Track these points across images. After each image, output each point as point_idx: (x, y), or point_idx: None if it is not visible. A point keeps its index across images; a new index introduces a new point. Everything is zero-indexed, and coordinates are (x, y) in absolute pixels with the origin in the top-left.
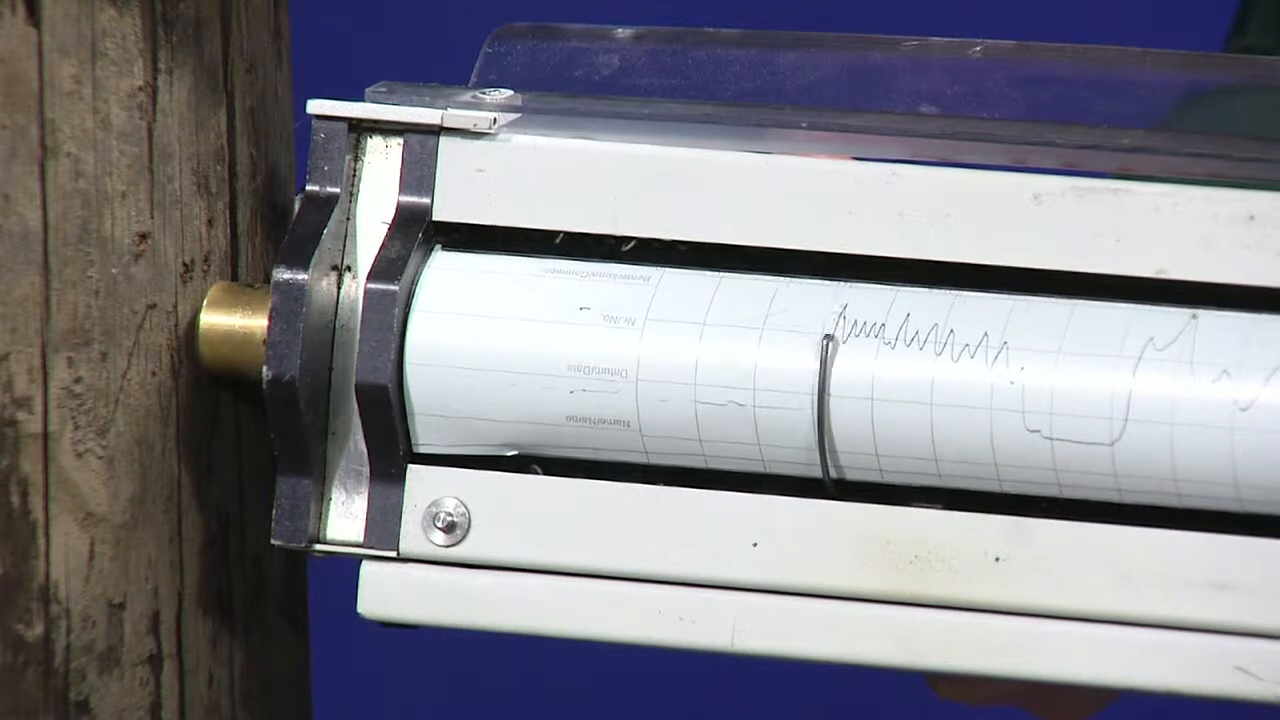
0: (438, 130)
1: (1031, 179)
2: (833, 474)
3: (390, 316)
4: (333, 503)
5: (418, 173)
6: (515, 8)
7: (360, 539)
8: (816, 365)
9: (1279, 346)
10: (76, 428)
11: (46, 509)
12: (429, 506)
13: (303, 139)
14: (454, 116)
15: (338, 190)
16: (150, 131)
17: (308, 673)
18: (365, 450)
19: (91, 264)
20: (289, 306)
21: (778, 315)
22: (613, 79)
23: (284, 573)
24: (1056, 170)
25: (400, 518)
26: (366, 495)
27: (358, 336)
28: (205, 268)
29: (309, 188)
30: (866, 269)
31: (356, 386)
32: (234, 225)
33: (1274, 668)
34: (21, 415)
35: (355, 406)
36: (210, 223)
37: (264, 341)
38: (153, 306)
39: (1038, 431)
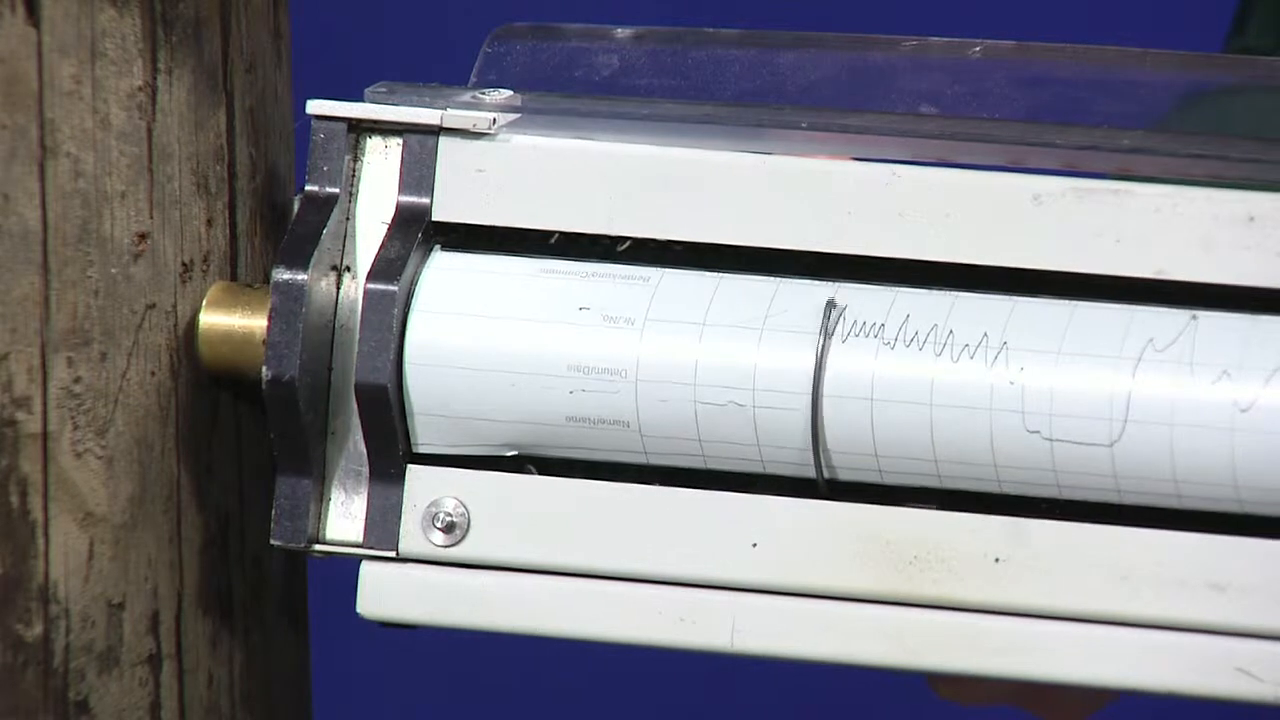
0: (437, 130)
1: (1031, 179)
2: (825, 474)
3: (390, 316)
4: (332, 503)
5: (417, 173)
6: (515, 8)
7: (360, 539)
8: (812, 363)
9: (1279, 347)
10: (76, 428)
11: (46, 509)
12: (428, 506)
13: (302, 139)
14: (454, 117)
15: (337, 190)
16: (150, 131)
17: (307, 673)
18: (365, 450)
19: (91, 264)
20: (288, 306)
21: (777, 315)
22: (612, 79)
23: (284, 573)
24: (1056, 171)
25: (400, 518)
26: (366, 495)
27: (357, 336)
28: (205, 268)
29: (308, 188)
30: (866, 269)
31: (356, 386)
32: (233, 225)
33: (1274, 668)
34: (21, 415)
35: (355, 406)
36: (210, 223)
37: (263, 341)
38: (152, 306)
39: (1037, 432)
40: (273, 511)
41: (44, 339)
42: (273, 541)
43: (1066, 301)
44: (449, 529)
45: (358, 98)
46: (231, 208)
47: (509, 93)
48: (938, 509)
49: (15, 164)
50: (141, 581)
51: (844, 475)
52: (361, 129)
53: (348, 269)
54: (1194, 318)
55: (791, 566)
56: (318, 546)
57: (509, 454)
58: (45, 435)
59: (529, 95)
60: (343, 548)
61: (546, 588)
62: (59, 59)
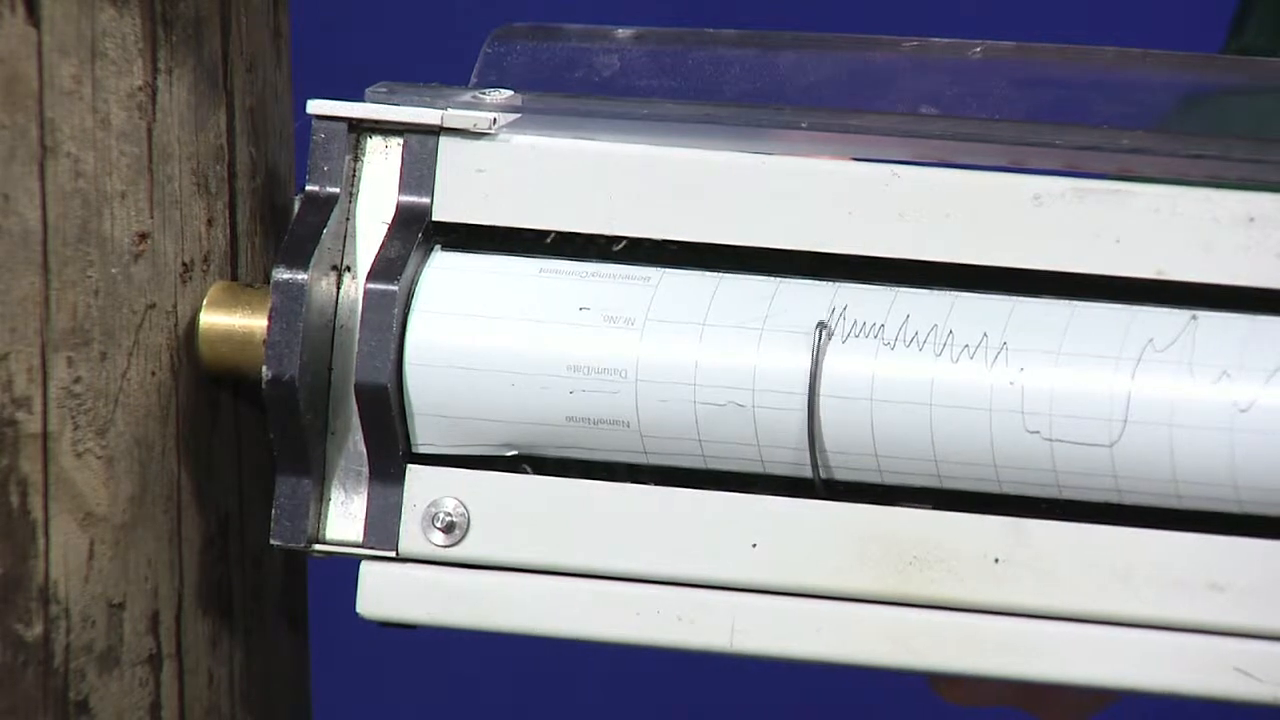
0: (437, 130)
1: (1031, 180)
2: (823, 474)
3: (390, 316)
4: (332, 503)
5: (417, 173)
6: (515, 8)
7: (359, 539)
8: (809, 364)
9: (1278, 348)
10: (76, 427)
11: (46, 509)
12: (428, 506)
13: (302, 139)
14: (454, 117)
15: (337, 190)
16: (150, 131)
17: (307, 673)
18: (365, 450)
19: (91, 264)
20: (289, 306)
21: (778, 316)
22: (612, 79)
23: (284, 573)
24: (1056, 171)
25: (400, 518)
26: (366, 495)
27: (357, 336)
28: (205, 268)
29: (309, 188)
30: (866, 269)
31: (356, 386)
32: (234, 225)
33: (1273, 669)
34: (21, 415)
35: (355, 406)
36: (210, 223)
37: (264, 341)
38: (152, 306)
39: (1037, 432)
40: (273, 511)
41: (44, 339)
42: (273, 541)
43: (1066, 302)
44: (449, 529)
45: (358, 98)
46: (232, 207)
47: (509, 93)
48: (932, 509)
49: (15, 164)
50: (141, 581)
51: (843, 475)
52: (362, 129)
53: (348, 269)
54: (1194, 318)
55: (791, 566)
56: (318, 546)
57: (509, 454)
58: (45, 435)
59: (529, 95)
60: (342, 548)
61: (546, 588)
62: (59, 59)
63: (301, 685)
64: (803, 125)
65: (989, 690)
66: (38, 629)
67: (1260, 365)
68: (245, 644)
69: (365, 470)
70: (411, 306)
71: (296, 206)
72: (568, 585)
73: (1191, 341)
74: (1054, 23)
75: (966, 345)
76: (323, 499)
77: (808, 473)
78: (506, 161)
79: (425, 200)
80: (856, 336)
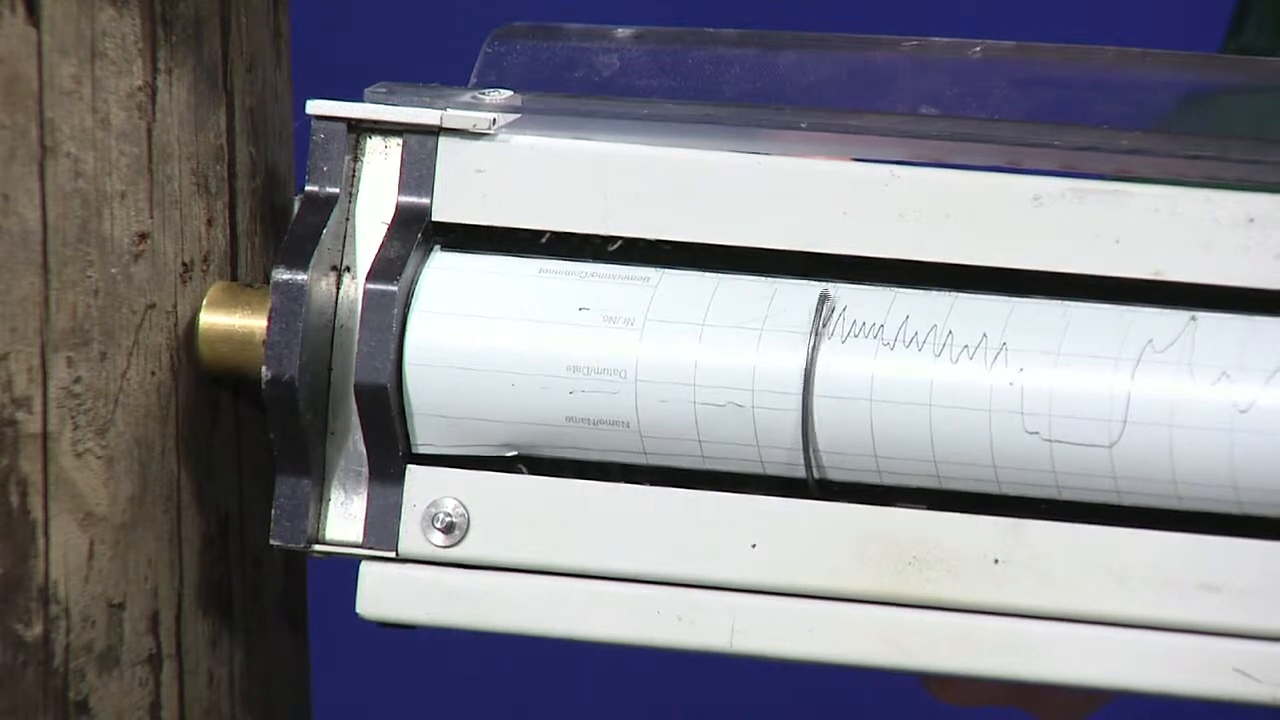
0: (437, 130)
1: (1031, 180)
2: (817, 474)
3: (389, 316)
4: (332, 503)
5: (417, 173)
6: (515, 8)
7: (359, 539)
8: (802, 364)
9: (1277, 348)
10: (76, 427)
11: (46, 509)
12: (428, 507)
13: (302, 139)
14: (453, 117)
15: (337, 190)
16: (150, 131)
17: (307, 673)
18: (364, 450)
19: (91, 264)
20: (288, 307)
21: (777, 316)
22: (612, 79)
23: (284, 573)
24: (1055, 171)
25: (399, 518)
26: (366, 495)
27: (357, 336)
28: (205, 268)
29: (308, 188)
30: (866, 269)
31: (356, 386)
32: (233, 225)
33: (1272, 669)
34: (21, 415)
35: (354, 407)
36: (210, 223)
37: (263, 342)
38: (152, 306)
39: (1036, 433)
40: (273, 511)
41: (44, 339)
42: (272, 541)
43: (1066, 302)
44: (449, 529)
45: (358, 98)
46: (231, 208)
47: (509, 93)
48: (926, 509)
49: (15, 164)
50: (141, 581)
51: (842, 476)
52: (361, 129)
53: (348, 269)
54: (1193, 319)
55: (790, 567)
56: (317, 547)
57: (509, 454)
58: (45, 435)
59: (529, 95)
60: (342, 548)
61: (546, 588)
62: (59, 59)
63: (301, 685)
64: (802, 125)
65: (982, 690)
66: (37, 629)
67: (1260, 366)
68: (245, 644)
69: (365, 470)
70: (411, 306)
71: (296, 207)
72: (567, 585)
73: (1191, 342)
74: (1054, 23)
75: (966, 346)
76: (322, 499)
77: (802, 473)
78: (506, 162)
79: (425, 200)
80: (856, 337)
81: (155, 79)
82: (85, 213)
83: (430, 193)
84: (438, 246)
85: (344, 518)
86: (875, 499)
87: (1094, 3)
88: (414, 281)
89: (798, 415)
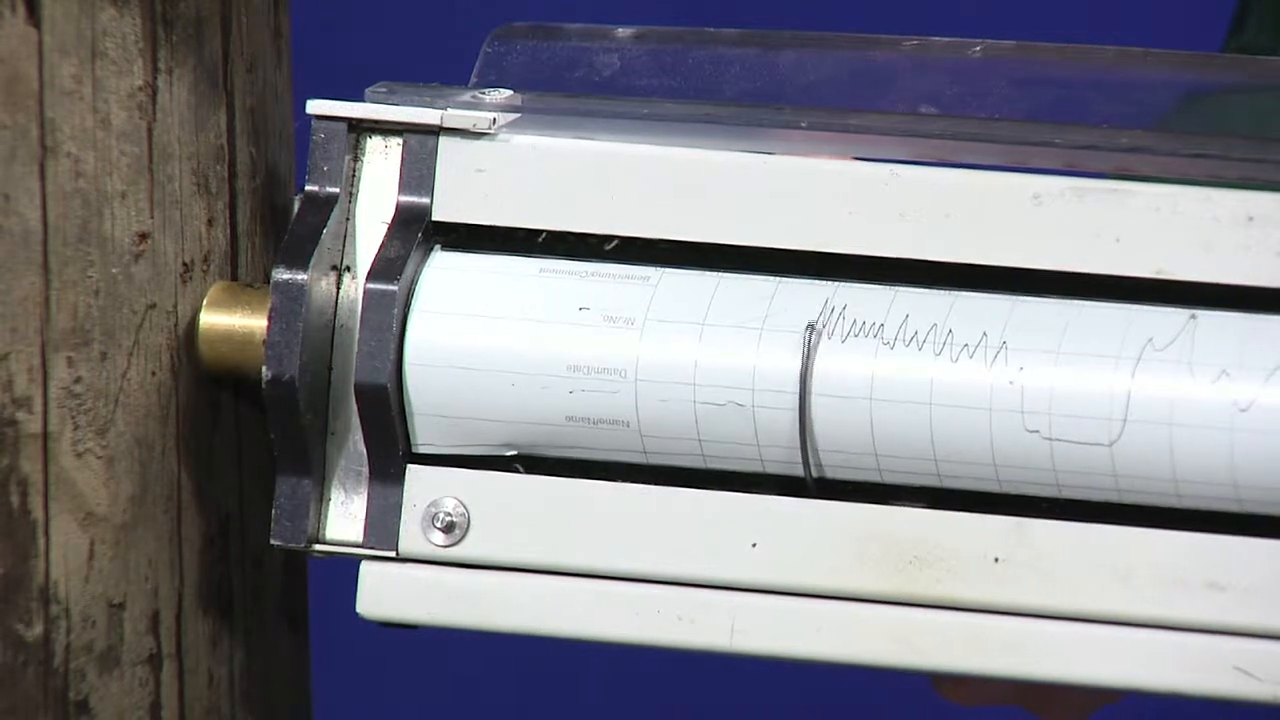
0: (437, 130)
1: (1031, 179)
2: (815, 473)
3: (390, 316)
4: (332, 503)
5: (417, 173)
6: (515, 8)
7: (360, 539)
8: (800, 364)
9: (1278, 347)
10: (76, 427)
11: (46, 509)
12: (428, 506)
13: (302, 139)
14: (453, 117)
15: (337, 190)
16: (150, 131)
17: (308, 673)
18: (365, 450)
19: (91, 264)
20: (289, 306)
21: (777, 315)
22: (613, 79)
23: (284, 573)
24: (1056, 171)
25: (400, 518)
26: (366, 495)
27: (357, 336)
28: (205, 267)
29: (308, 188)
30: (866, 269)
31: (356, 386)
32: (234, 225)
33: (1273, 668)
34: (21, 415)
35: (355, 406)
36: (210, 222)
37: (264, 341)
38: (153, 306)
39: (1037, 432)
40: (273, 511)
41: (44, 339)
42: (273, 541)
43: (1066, 301)
44: (449, 529)
45: (358, 98)
46: (232, 207)
47: (509, 93)
48: (925, 507)
49: (15, 164)
50: (142, 581)
51: (843, 475)
52: (362, 129)
53: (348, 269)
54: (1193, 317)
55: (791, 566)
56: (318, 546)
57: (509, 454)
58: (46, 435)
59: (529, 95)
60: (343, 548)
61: (546, 588)
62: (59, 59)
63: (301, 685)
64: (803, 125)
65: (990, 689)
66: (38, 629)
67: (1260, 364)
68: (245, 644)
69: (365, 470)
70: (411, 306)
71: (296, 206)
72: (568, 585)
73: (1191, 341)
74: (1054, 23)
75: (966, 345)
76: (323, 499)
77: (800, 471)
78: (506, 161)
79: (425, 200)
80: (856, 336)
81: (156, 79)
82: (86, 213)
83: (430, 192)
84: (438, 246)
85: (344, 517)
86: (876, 498)
87: (1094, 3)
88: (414, 281)
89: (797, 415)
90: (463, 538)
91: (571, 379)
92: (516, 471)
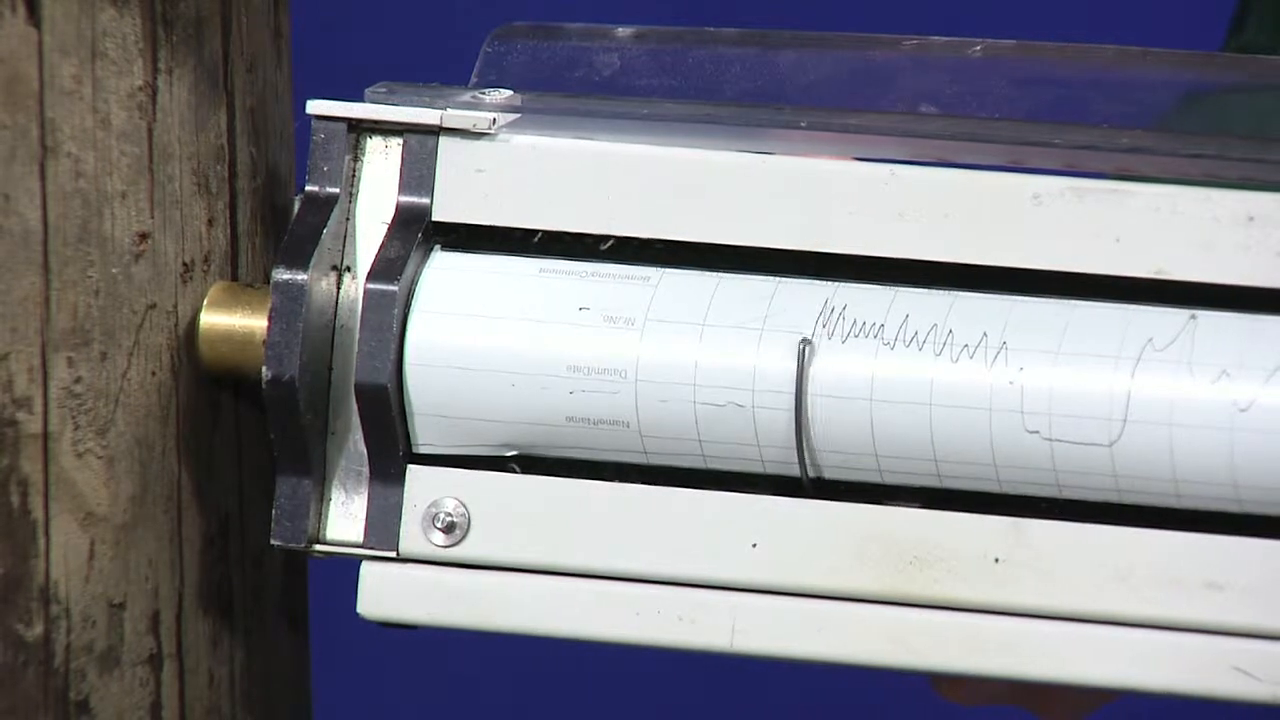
0: (437, 130)
1: (1031, 179)
2: (823, 474)
3: (390, 316)
4: (332, 503)
5: (417, 173)
6: (515, 8)
7: (360, 539)
8: (796, 365)
9: (1278, 347)
10: (76, 427)
11: (46, 509)
12: (429, 507)
13: (302, 139)
14: (453, 117)
15: (337, 190)
16: (150, 131)
17: (308, 673)
18: (365, 450)
19: (91, 264)
20: (289, 307)
21: (777, 315)
22: (613, 79)
23: (284, 573)
24: (1056, 171)
25: (400, 518)
26: (366, 495)
27: (357, 336)
28: (205, 268)
29: (308, 188)
30: (866, 269)
31: (356, 386)
32: (234, 225)
33: (1272, 668)
34: (21, 415)
35: (355, 406)
36: (210, 223)
37: (264, 342)
38: (153, 306)
39: (1037, 432)
40: (273, 511)
41: (44, 339)
42: (273, 541)
43: (1066, 301)
44: (449, 529)
45: (358, 98)
46: (232, 208)
47: (509, 93)
48: (926, 508)
49: (16, 164)
50: (142, 581)
51: (842, 475)
52: (362, 129)
53: (348, 269)
54: (1193, 317)
55: (791, 566)
56: (318, 547)
57: (509, 454)
58: (46, 435)
59: (529, 95)
60: (343, 548)
61: (546, 588)
62: (60, 59)
63: (301, 685)
64: (802, 124)
65: (989, 689)
66: (38, 629)
67: (1260, 364)
68: (245, 644)
69: (365, 470)
70: (411, 307)
71: (296, 206)
72: (568, 585)
73: (1191, 341)
74: (1054, 23)
75: (966, 345)
76: (323, 499)
77: (808, 471)
78: (506, 161)
79: (425, 200)
80: (856, 336)
81: (156, 79)
82: (86, 213)
83: (430, 193)
84: (438, 246)
85: (344, 518)
86: (876, 498)
87: (1094, 3)
88: (414, 281)
89: (794, 415)
90: (463, 538)
91: (572, 379)
92: (513, 472)
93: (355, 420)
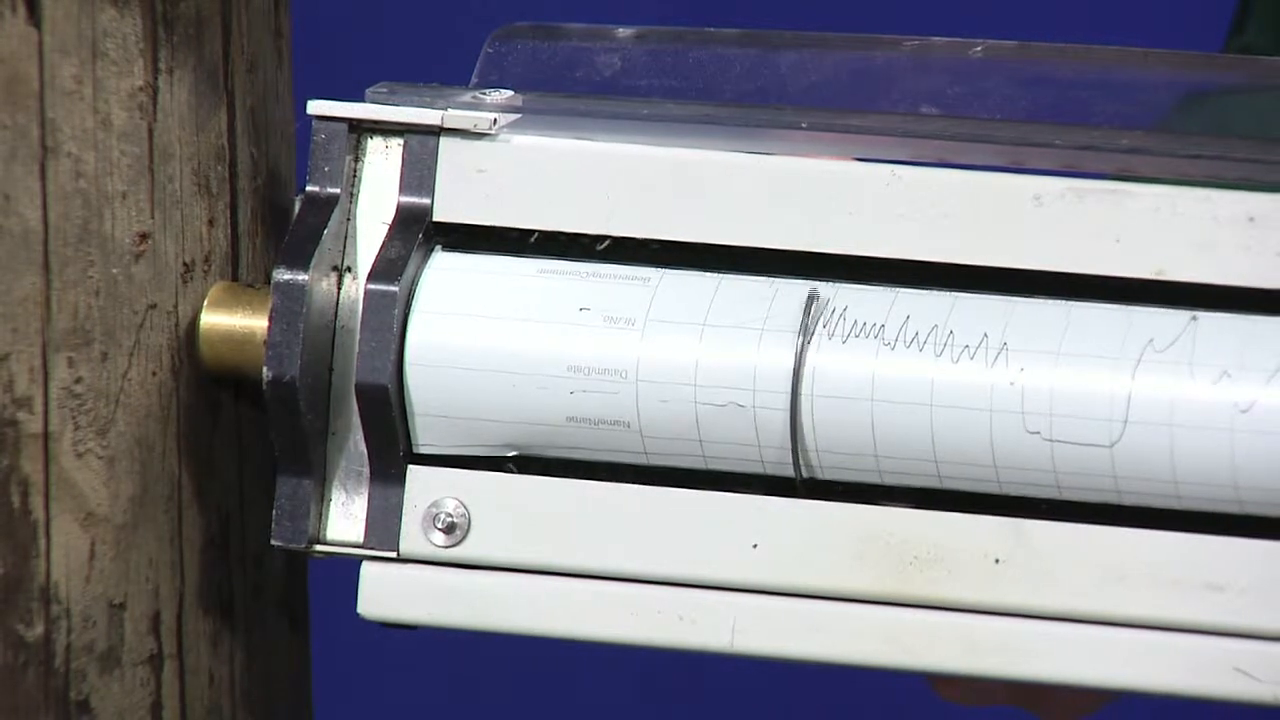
0: (438, 131)
1: (1031, 180)
2: (805, 474)
3: (390, 317)
4: (333, 503)
5: (418, 173)
6: (515, 8)
7: (360, 539)
8: (794, 365)
9: (1278, 348)
10: (77, 428)
11: (47, 509)
12: (429, 507)
13: (303, 139)
14: (454, 117)
15: (338, 191)
16: (151, 131)
17: (308, 673)
18: (365, 450)
19: (92, 264)
20: (289, 307)
21: (778, 316)
22: (613, 79)
23: (284, 573)
24: (1056, 171)
25: (400, 518)
26: (366, 496)
27: (358, 337)
28: (206, 268)
29: (309, 188)
30: (867, 270)
31: (356, 387)
32: (234, 225)
33: (1272, 669)
34: (22, 415)
35: (355, 407)
36: (211, 223)
37: (264, 342)
38: (153, 306)
39: (1037, 433)
40: (273, 512)
41: (45, 339)
42: (273, 542)
43: (1066, 302)
44: (449, 529)
45: (358, 98)
46: (233, 208)
47: (510, 93)
48: (927, 509)
49: (16, 164)
50: (142, 581)
51: (842, 475)
52: (362, 129)
53: (348, 269)
54: (1194, 318)
55: (791, 567)
56: (318, 547)
57: (510, 454)
58: (46, 435)
59: (530, 95)
60: (343, 548)
61: (546, 588)
62: (60, 59)
63: (301, 685)
64: (803, 125)
65: (988, 689)
66: (39, 629)
67: (1260, 365)
68: (246, 644)
69: (366, 471)
70: (412, 307)
71: (297, 207)
72: (568, 585)
73: (1191, 341)
74: (1054, 23)
75: (966, 345)
76: (323, 499)
77: (802, 472)
78: (507, 162)
79: (425, 201)
80: (857, 337)
81: (156, 79)
82: (86, 213)
83: (431, 193)
84: (438, 247)
85: (345, 518)
86: (876, 499)
87: (1094, 3)
88: (415, 282)
89: (788, 415)
90: (463, 538)
91: (572, 379)
92: (510, 473)
93: (356, 420)
